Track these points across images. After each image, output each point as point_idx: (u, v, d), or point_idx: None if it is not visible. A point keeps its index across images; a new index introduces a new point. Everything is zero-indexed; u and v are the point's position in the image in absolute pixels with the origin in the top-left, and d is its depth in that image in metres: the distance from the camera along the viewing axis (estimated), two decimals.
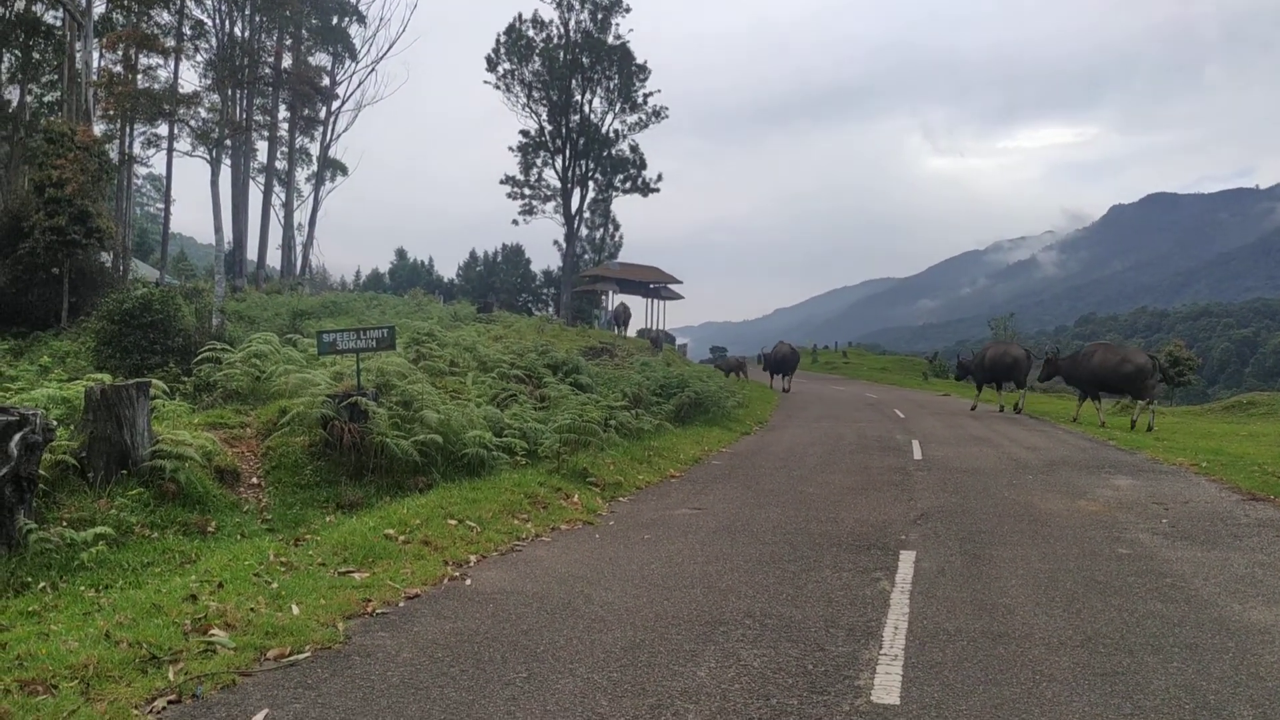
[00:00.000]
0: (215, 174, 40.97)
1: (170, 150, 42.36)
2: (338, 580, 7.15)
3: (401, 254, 79.86)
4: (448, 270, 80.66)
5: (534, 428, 13.40)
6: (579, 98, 61.28)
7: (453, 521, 9.20)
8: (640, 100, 62.10)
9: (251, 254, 50.76)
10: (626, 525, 10.20)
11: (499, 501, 10.23)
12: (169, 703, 4.79)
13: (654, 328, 61.53)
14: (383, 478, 11.11)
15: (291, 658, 5.52)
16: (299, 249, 52.16)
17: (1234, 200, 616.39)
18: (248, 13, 42.50)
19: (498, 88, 60.67)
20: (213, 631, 5.70)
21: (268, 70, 44.66)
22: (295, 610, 6.25)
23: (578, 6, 60.55)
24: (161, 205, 53.44)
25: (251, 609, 6.14)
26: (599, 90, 61.74)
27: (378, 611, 6.53)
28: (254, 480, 10.83)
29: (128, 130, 40.79)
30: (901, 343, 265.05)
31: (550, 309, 73.28)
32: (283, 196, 50.73)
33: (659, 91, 62.42)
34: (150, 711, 4.70)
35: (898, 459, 16.58)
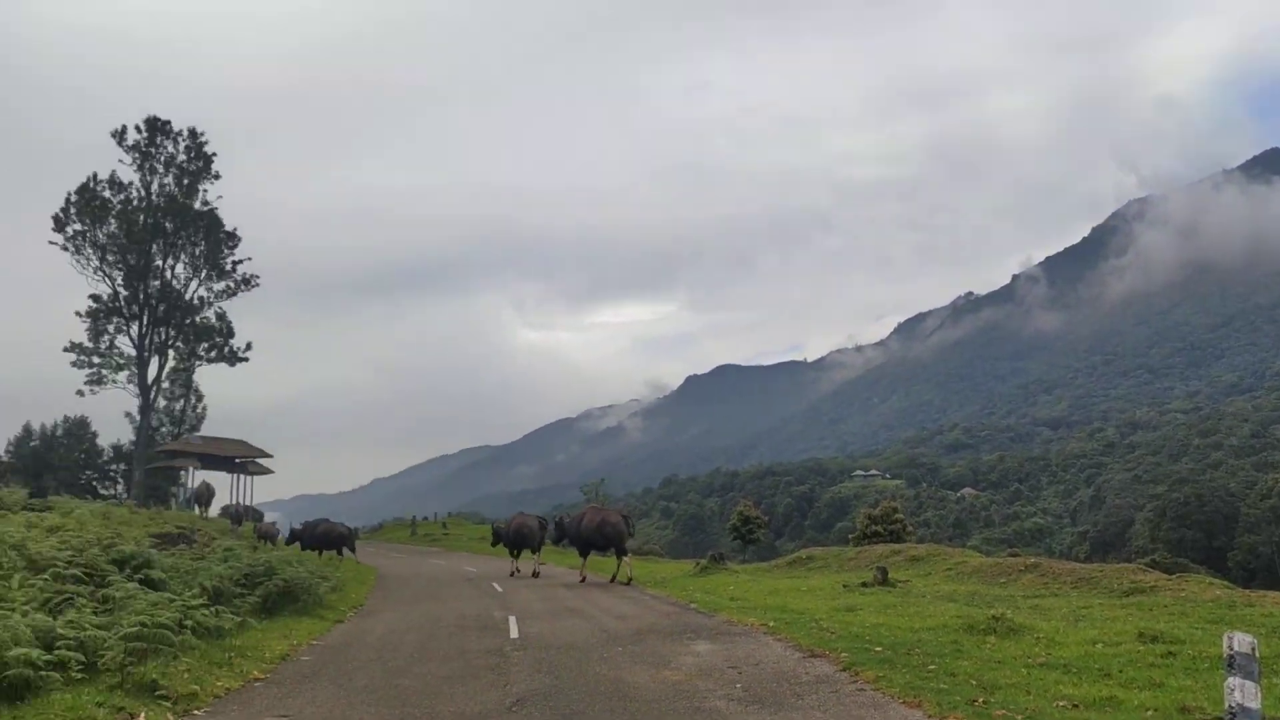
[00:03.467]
0: None
1: None
2: None
3: None
4: None
5: (95, 636, 11.99)
6: (160, 262, 58.10)
7: None
8: (229, 267, 60.01)
9: None
10: None
11: None
12: None
13: (239, 503, 57.95)
14: None
15: None
16: None
17: (787, 372, 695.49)
18: None
19: (66, 249, 56.04)
20: None
21: None
22: None
23: (161, 170, 57.99)
24: None
25: None
26: (184, 255, 58.97)
27: None
28: None
29: None
30: (501, 510, 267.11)
31: (120, 488, 66.70)
32: None
33: (250, 259, 60.69)
34: None
35: (495, 639, 16.60)
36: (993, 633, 14.30)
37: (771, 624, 17.10)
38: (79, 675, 11.11)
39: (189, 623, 13.83)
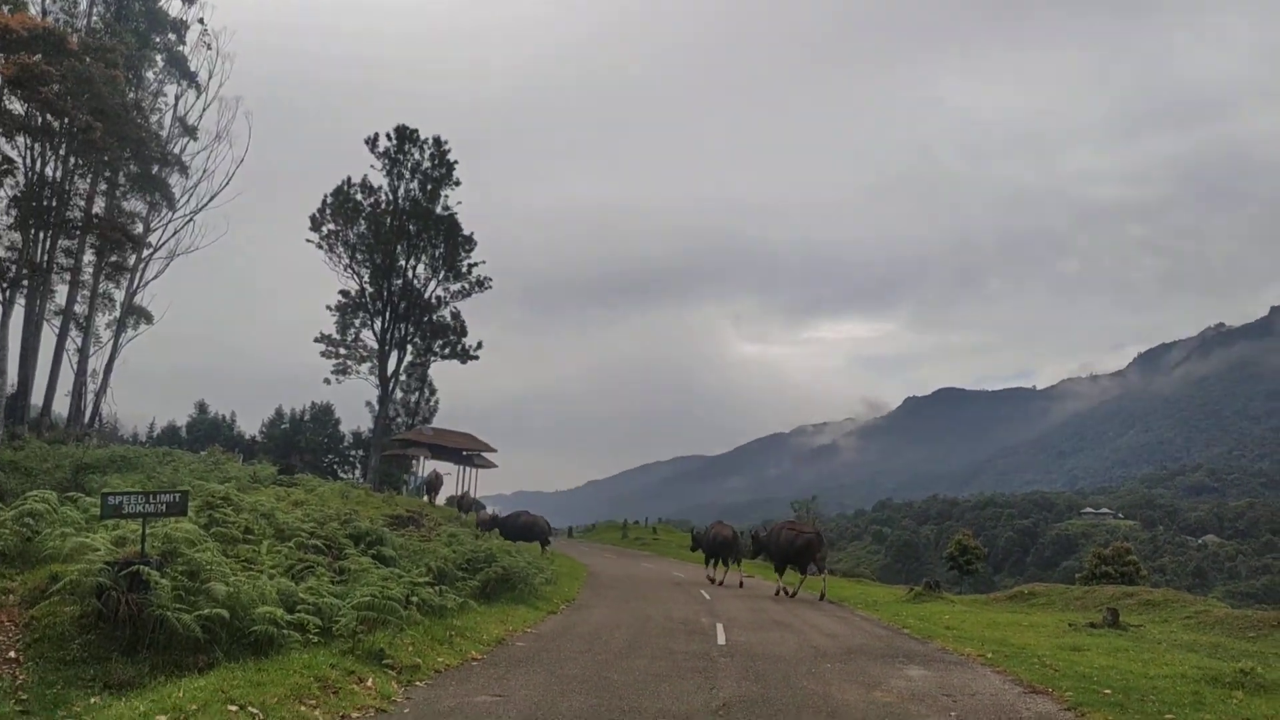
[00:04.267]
0: (6, 314, 38.74)
1: None
2: None
3: (202, 407, 75.93)
4: (251, 427, 77.00)
5: (330, 603, 12.81)
6: (403, 262, 61.56)
7: (233, 707, 8.61)
8: (465, 270, 62.91)
9: (37, 399, 47.53)
10: (421, 714, 9.78)
11: (286, 685, 9.66)
12: None
13: (464, 493, 60.46)
14: (160, 655, 10.34)
15: None
16: (90, 397, 49.24)
17: (1014, 398, 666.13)
18: (62, 153, 41.08)
19: (320, 247, 60.34)
20: None
21: (77, 213, 42.98)
22: None
23: (408, 175, 61.51)
24: None
25: None
26: (424, 257, 62.27)
27: None
28: (12, 654, 9.90)
29: None
30: (710, 520, 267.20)
31: (358, 472, 71.09)
32: (79, 341, 48.02)
33: (484, 262, 63.43)
34: None
35: (702, 643, 16.60)
36: (1240, 687, 13.11)
37: (989, 655, 16.34)
38: (315, 638, 11.88)
39: (415, 599, 14.55)
